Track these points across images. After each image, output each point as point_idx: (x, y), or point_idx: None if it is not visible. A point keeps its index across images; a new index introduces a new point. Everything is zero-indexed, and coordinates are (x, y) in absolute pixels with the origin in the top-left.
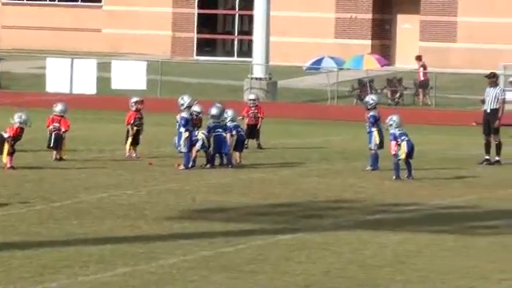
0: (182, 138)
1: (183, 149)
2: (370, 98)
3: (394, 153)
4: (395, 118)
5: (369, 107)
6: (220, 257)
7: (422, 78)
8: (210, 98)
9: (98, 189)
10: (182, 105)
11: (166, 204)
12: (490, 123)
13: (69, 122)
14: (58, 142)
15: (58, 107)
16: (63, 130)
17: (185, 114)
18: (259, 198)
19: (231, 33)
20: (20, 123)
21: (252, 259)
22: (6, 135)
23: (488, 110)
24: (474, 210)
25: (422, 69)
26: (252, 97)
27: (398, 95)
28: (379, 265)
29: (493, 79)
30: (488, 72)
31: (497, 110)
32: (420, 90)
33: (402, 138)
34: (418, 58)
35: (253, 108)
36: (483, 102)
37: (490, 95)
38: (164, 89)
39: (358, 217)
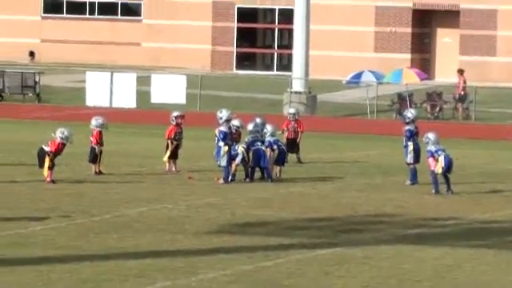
0: (222, 152)
1: (223, 162)
2: (409, 112)
3: (432, 169)
4: (431, 135)
5: (407, 121)
6: (259, 271)
7: (461, 92)
8: (249, 112)
9: (137, 203)
10: (221, 118)
11: (205, 218)
12: None
13: (97, 136)
14: (93, 156)
15: (92, 121)
16: (92, 144)
17: (223, 128)
18: (298, 212)
19: (271, 47)
20: (62, 139)
21: (291, 274)
22: (47, 149)
23: None
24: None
25: (462, 82)
26: (292, 111)
27: (437, 109)
28: (419, 279)
29: None
30: None
31: None
32: (459, 104)
33: (439, 153)
34: (460, 72)
35: (292, 122)
36: None
37: None
38: (203, 103)
39: (398, 231)
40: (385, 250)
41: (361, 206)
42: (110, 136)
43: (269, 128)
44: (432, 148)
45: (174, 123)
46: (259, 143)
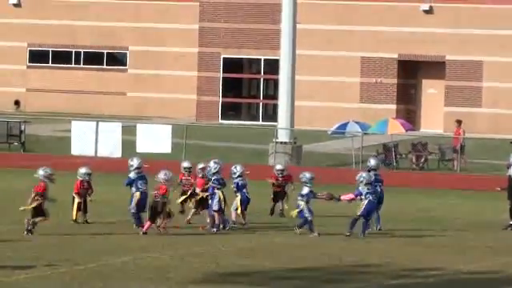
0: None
1: (132, 209)
2: (371, 160)
3: (347, 199)
4: (365, 174)
5: (368, 169)
6: None
7: (461, 143)
8: (234, 162)
9: (122, 252)
10: (132, 166)
11: (190, 267)
12: None
13: (77, 186)
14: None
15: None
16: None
17: (132, 175)
18: (283, 262)
19: (256, 97)
20: (44, 177)
21: None
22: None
23: None
24: (497, 275)
25: (462, 133)
26: (279, 167)
27: (422, 160)
28: None
29: None
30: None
31: None
32: (456, 155)
33: (367, 196)
34: (459, 123)
35: (280, 178)
36: (508, 166)
37: None
38: (189, 152)
39: (382, 281)
40: None
41: (345, 255)
42: (96, 185)
43: (238, 168)
44: (364, 189)
45: (201, 175)
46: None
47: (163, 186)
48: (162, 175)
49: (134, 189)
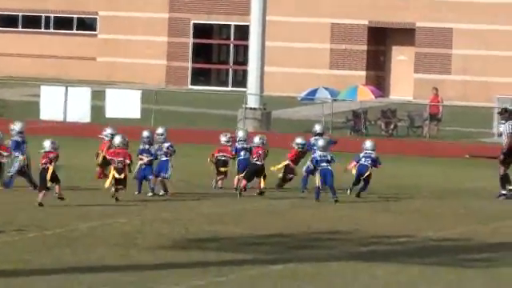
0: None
1: (12, 172)
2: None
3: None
4: (320, 141)
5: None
6: (212, 286)
7: (438, 110)
8: (204, 127)
9: (90, 217)
10: (13, 129)
11: (158, 233)
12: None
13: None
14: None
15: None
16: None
17: (16, 138)
18: (252, 228)
19: (226, 63)
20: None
21: None
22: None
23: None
24: (466, 242)
25: (441, 101)
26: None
27: (392, 126)
28: None
29: (505, 114)
30: (483, 105)
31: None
32: (428, 122)
33: (322, 165)
34: (436, 90)
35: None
36: (500, 135)
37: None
38: (158, 118)
39: (351, 248)
40: (337, 266)
41: (314, 222)
42: (64, 150)
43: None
44: (317, 156)
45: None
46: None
47: (121, 150)
48: (119, 138)
49: (17, 153)
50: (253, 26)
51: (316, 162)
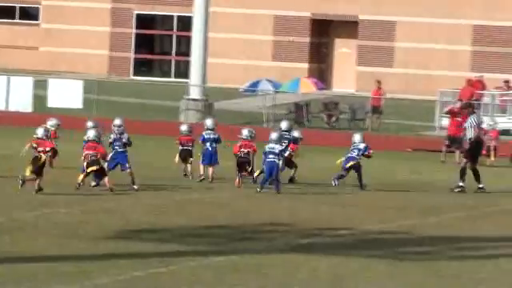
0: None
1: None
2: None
3: None
4: (273, 134)
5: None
6: (153, 277)
7: (380, 103)
8: (145, 119)
9: (32, 207)
10: None
11: (99, 223)
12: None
13: None
14: None
15: None
16: None
17: None
18: (193, 219)
19: (169, 53)
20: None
21: (185, 280)
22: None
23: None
24: (406, 235)
25: (383, 94)
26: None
27: (334, 119)
28: None
29: (469, 109)
30: (425, 98)
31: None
32: (370, 115)
33: (270, 157)
34: (379, 83)
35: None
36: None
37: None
38: (100, 108)
39: (291, 240)
40: (278, 258)
41: (255, 214)
42: (6, 139)
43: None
44: (266, 148)
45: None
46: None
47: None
48: (92, 132)
49: None
50: (196, 17)
51: (264, 154)
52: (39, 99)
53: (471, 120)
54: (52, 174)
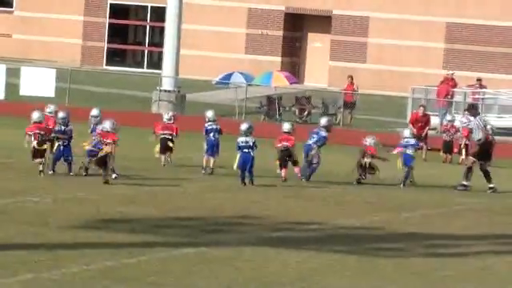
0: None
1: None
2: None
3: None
4: (243, 126)
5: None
6: (123, 268)
7: (354, 99)
8: (118, 109)
9: (2, 194)
10: None
11: (70, 212)
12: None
13: None
14: None
15: None
16: None
17: None
18: (164, 210)
19: (142, 44)
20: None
21: (154, 271)
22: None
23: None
24: (377, 231)
25: (356, 89)
26: (167, 116)
27: (306, 113)
28: (281, 282)
29: (473, 111)
30: (397, 94)
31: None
32: (342, 110)
33: (244, 150)
34: (351, 78)
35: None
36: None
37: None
38: (72, 97)
39: (262, 233)
40: (248, 251)
41: (226, 206)
42: None
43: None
44: (239, 141)
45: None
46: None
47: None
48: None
49: None
50: (169, 7)
51: (238, 148)
52: (11, 87)
53: (478, 122)
54: (27, 162)
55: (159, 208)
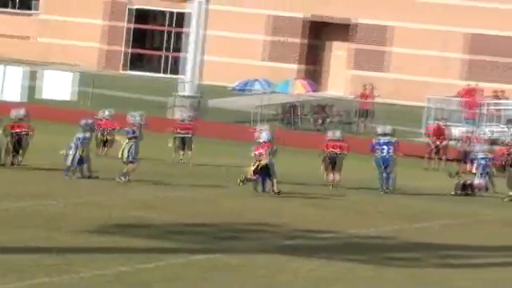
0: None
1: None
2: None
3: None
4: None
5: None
6: (138, 273)
7: (370, 107)
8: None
9: (21, 197)
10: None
11: (83, 217)
12: None
13: None
14: None
15: None
16: None
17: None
18: (181, 216)
19: (162, 49)
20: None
21: (169, 278)
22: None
23: None
24: (391, 240)
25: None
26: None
27: (320, 121)
28: None
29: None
30: (413, 104)
31: None
32: (361, 119)
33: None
34: (371, 86)
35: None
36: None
37: None
38: (94, 101)
39: (276, 241)
40: (261, 259)
41: (243, 213)
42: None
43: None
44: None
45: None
46: None
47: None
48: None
49: None
50: (193, 13)
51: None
52: (32, 90)
53: None
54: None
55: (175, 213)
